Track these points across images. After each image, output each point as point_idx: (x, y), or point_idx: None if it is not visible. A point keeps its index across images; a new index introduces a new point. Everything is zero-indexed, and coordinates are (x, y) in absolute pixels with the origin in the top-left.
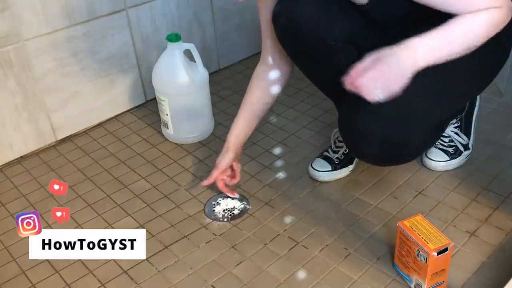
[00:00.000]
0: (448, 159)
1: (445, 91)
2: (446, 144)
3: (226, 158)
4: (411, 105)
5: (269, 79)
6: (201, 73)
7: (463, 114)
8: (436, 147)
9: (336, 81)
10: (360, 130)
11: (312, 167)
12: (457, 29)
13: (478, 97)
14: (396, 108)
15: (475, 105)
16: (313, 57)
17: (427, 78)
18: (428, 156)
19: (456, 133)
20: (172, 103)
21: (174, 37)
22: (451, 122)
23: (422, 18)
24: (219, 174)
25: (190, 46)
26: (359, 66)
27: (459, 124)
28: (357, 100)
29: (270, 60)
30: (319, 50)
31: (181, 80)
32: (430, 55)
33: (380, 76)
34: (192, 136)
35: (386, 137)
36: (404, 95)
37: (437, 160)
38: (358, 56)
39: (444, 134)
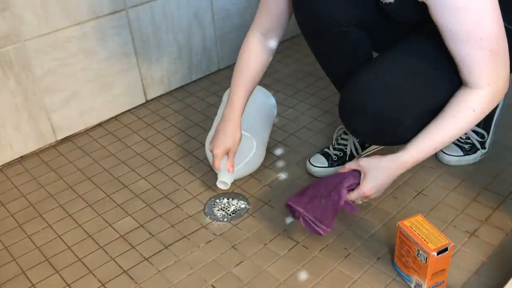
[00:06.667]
0: (462, 154)
1: (440, 79)
2: (462, 141)
3: (237, 140)
4: (406, 88)
5: (268, 48)
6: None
7: None
8: (452, 142)
9: (347, 67)
10: (357, 107)
11: (310, 162)
12: (447, 132)
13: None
14: (391, 89)
15: (497, 105)
16: (327, 41)
17: (424, 64)
18: (442, 149)
19: (473, 131)
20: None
21: None
22: None
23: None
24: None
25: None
26: (364, 189)
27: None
28: (356, 82)
29: (268, 25)
30: (332, 34)
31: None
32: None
33: (380, 188)
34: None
35: (379, 114)
36: (400, 79)
37: (450, 154)
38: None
39: None
